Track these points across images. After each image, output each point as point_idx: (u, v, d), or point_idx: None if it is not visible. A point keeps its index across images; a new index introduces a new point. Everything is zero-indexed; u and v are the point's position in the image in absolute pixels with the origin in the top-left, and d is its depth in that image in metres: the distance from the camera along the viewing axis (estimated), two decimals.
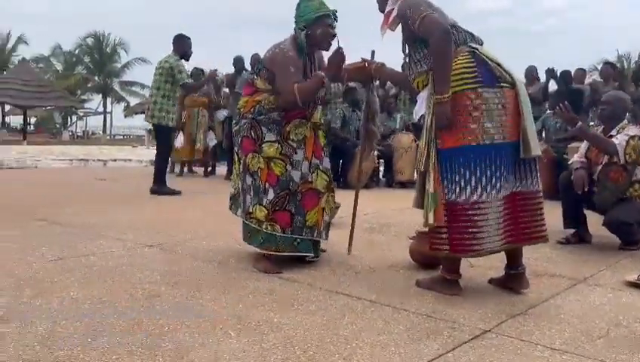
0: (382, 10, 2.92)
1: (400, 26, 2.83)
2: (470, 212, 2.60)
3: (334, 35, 3.19)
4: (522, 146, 2.64)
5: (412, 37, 2.78)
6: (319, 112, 3.34)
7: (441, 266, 2.88)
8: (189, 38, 6.55)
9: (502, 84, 2.62)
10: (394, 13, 2.80)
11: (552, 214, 4.32)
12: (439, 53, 2.62)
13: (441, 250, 2.72)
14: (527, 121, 2.65)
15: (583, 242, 4.19)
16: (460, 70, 2.62)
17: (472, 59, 2.64)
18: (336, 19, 3.20)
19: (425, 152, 2.70)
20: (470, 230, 2.61)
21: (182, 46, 6.45)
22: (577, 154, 4.23)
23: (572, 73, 7.98)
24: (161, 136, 6.65)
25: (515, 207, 2.70)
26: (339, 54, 3.18)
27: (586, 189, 3.95)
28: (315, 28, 3.13)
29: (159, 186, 6.45)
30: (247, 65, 8.35)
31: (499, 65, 2.65)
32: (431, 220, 2.63)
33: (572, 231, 4.24)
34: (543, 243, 2.83)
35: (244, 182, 3.23)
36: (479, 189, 2.59)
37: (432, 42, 2.63)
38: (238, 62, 8.94)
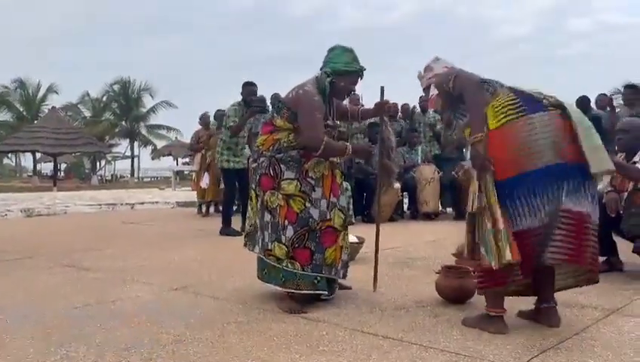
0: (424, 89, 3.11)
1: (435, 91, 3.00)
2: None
3: (351, 92, 3.40)
4: (589, 165, 2.60)
5: (455, 99, 2.88)
6: None
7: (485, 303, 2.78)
8: (252, 85, 6.52)
9: (546, 108, 2.66)
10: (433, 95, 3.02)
11: None
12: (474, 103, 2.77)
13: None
14: (585, 138, 2.61)
15: (615, 270, 4.08)
16: (503, 104, 2.68)
17: (512, 93, 2.72)
18: (361, 77, 3.32)
19: (479, 191, 2.64)
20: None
21: (243, 93, 6.49)
22: (602, 183, 4.14)
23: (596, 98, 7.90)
24: (223, 179, 7.05)
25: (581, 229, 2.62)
26: (387, 106, 3.52)
27: (621, 211, 3.87)
28: (340, 80, 3.24)
29: (225, 227, 6.63)
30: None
31: (539, 93, 2.72)
32: (509, 257, 2.52)
33: (602, 258, 4.13)
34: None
35: (262, 219, 3.24)
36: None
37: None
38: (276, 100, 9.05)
